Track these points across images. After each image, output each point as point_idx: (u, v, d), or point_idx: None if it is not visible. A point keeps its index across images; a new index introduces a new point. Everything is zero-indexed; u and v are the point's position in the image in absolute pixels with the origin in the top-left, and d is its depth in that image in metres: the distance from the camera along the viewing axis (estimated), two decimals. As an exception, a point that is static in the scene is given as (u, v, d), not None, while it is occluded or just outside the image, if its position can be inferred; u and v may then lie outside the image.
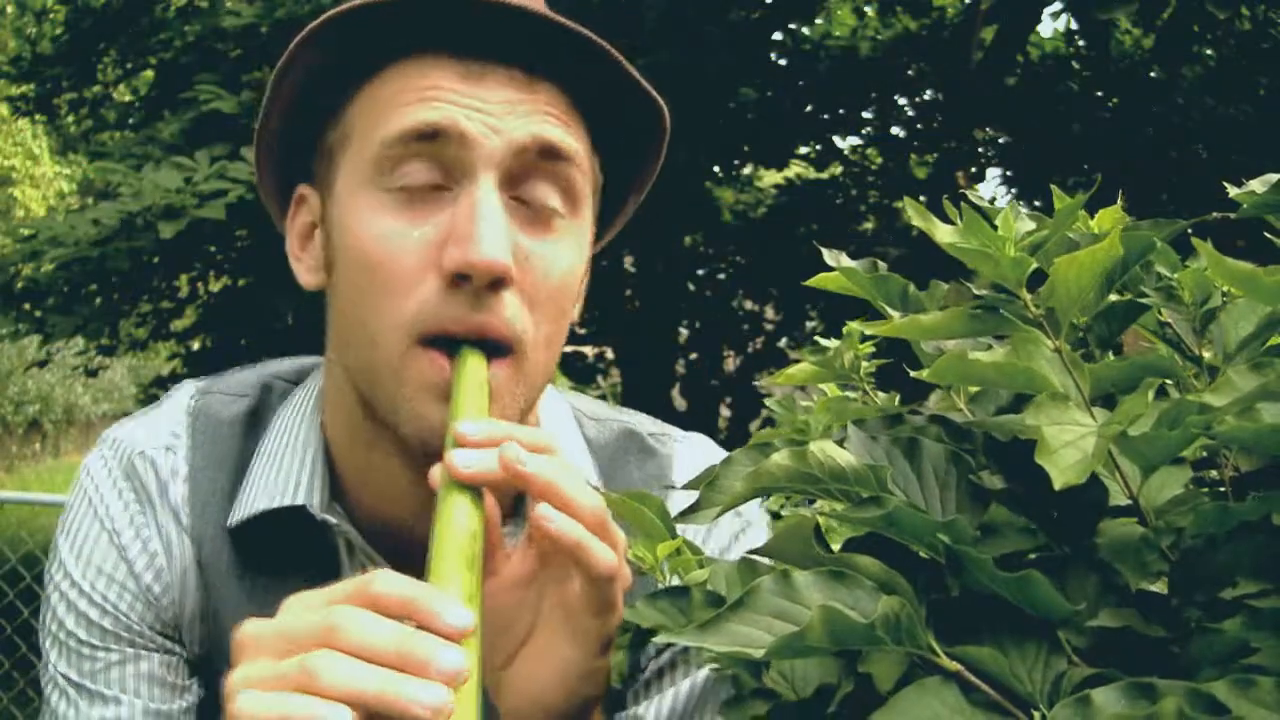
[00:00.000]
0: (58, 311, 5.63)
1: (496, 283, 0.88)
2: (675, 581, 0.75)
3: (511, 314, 0.89)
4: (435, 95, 0.90)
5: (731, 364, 8.19)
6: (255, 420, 1.09)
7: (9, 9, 13.43)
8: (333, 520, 1.02)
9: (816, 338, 0.99)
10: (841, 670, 0.51)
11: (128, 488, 1.06)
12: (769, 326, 8.08)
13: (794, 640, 0.47)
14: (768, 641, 0.49)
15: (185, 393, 1.12)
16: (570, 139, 0.92)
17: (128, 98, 9.29)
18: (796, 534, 0.57)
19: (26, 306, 5.77)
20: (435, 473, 0.78)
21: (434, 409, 0.88)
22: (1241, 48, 6.67)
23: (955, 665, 0.51)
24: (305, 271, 1.01)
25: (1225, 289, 0.76)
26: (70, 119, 8.99)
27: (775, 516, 1.30)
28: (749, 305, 8.11)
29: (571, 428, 1.12)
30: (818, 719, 0.56)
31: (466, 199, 0.88)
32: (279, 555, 1.04)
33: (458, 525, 0.74)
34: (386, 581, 0.68)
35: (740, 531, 1.10)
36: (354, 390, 0.97)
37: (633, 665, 1.06)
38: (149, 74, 8.02)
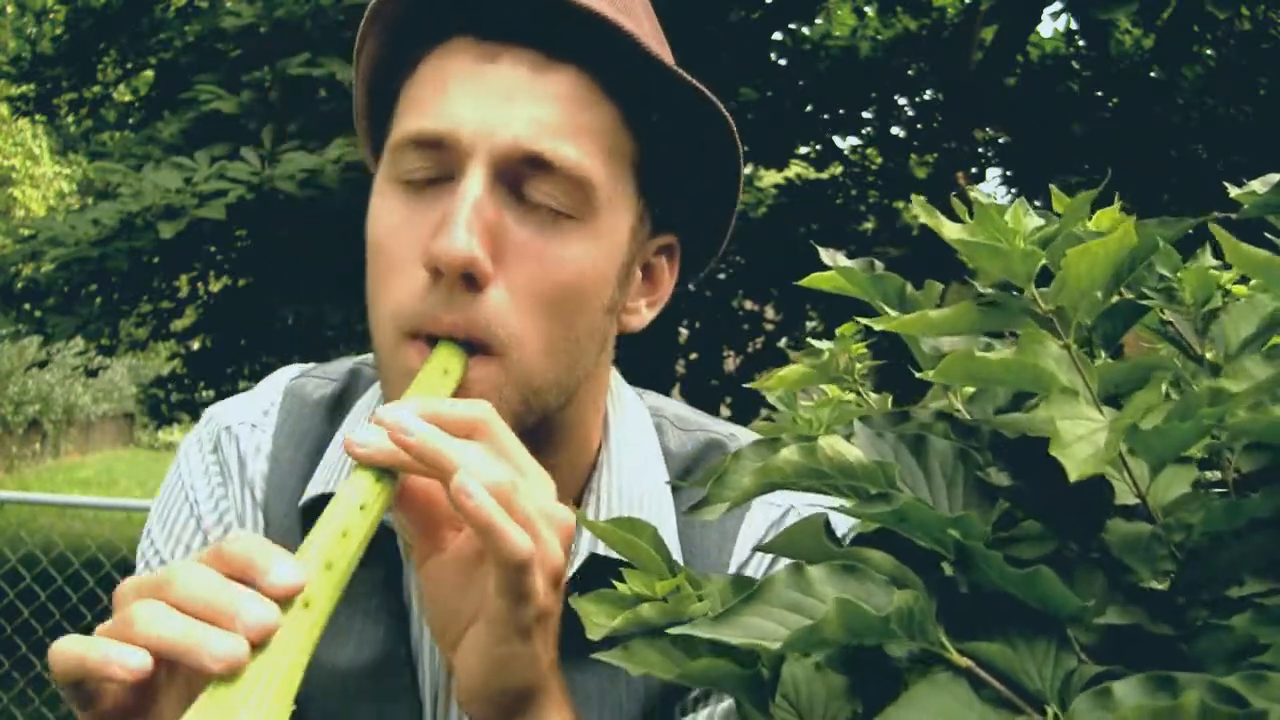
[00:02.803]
0: (58, 311, 5.63)
1: (470, 278, 0.87)
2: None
3: (491, 312, 0.88)
4: (444, 90, 0.90)
5: (731, 364, 8.19)
6: (339, 404, 1.10)
7: (9, 9, 13.43)
8: None
9: (809, 340, 0.98)
10: (849, 688, 0.50)
11: (213, 461, 1.09)
12: (769, 326, 8.08)
13: (809, 634, 0.47)
14: (783, 634, 0.48)
15: (288, 373, 1.14)
16: (566, 139, 0.89)
17: (128, 98, 9.29)
18: (807, 529, 0.57)
19: (26, 306, 5.77)
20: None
21: None
22: (1241, 48, 6.67)
23: (966, 661, 0.51)
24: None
25: (1226, 289, 0.76)
26: (70, 119, 8.99)
27: None
28: (749, 305, 8.11)
29: (648, 435, 1.09)
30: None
31: (455, 194, 0.88)
32: None
33: (346, 497, 0.75)
34: (236, 540, 0.71)
35: (778, 521, 1.07)
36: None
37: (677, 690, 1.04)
38: (149, 74, 8.02)
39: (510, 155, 0.88)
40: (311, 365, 1.16)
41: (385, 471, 0.77)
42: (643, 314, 1.02)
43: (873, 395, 0.96)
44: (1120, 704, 0.45)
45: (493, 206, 0.88)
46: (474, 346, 0.88)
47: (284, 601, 0.68)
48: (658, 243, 1.02)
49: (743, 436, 1.13)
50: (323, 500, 1.02)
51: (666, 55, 0.96)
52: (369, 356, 1.13)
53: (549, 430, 0.96)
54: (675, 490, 1.06)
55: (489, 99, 0.89)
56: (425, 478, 0.78)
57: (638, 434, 1.08)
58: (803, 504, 1.07)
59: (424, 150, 0.90)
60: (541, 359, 0.91)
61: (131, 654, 0.65)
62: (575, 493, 1.04)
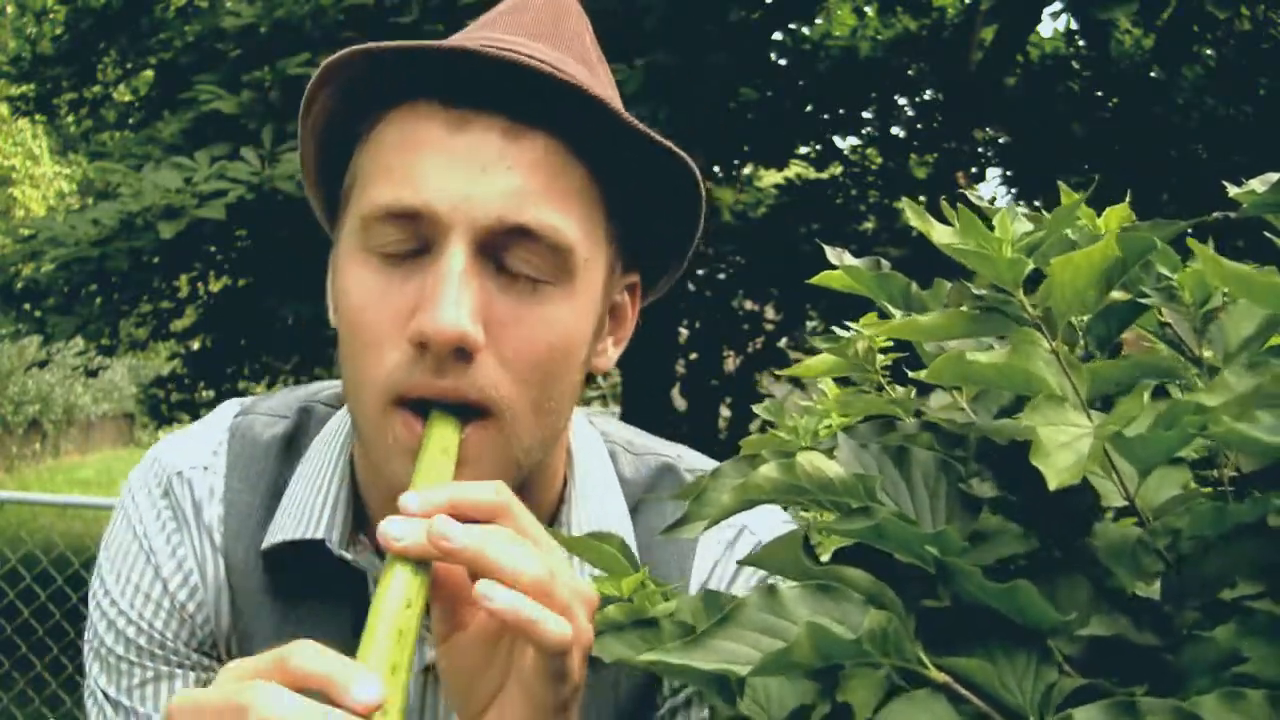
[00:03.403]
0: (58, 311, 5.63)
1: (460, 350, 0.87)
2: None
3: (485, 379, 0.88)
4: (414, 160, 0.90)
5: (731, 364, 8.19)
6: (292, 444, 1.10)
7: (9, 9, 13.44)
8: (349, 557, 1.02)
9: (834, 328, 0.98)
10: (818, 693, 0.51)
11: (165, 506, 1.07)
12: (769, 326, 8.08)
13: (780, 657, 0.47)
14: (754, 658, 0.48)
15: (229, 411, 1.13)
16: (546, 207, 0.89)
17: (128, 98, 9.30)
18: (785, 545, 0.57)
19: (26, 306, 5.78)
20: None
21: (406, 470, 0.87)
22: (1241, 48, 6.67)
23: (944, 677, 0.51)
24: (331, 312, 1.01)
25: (1225, 289, 0.76)
26: (70, 119, 9.00)
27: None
28: (749, 305, 8.11)
29: (604, 465, 1.11)
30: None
31: (436, 267, 0.88)
32: (309, 583, 1.04)
33: (392, 595, 0.75)
34: (303, 655, 0.69)
35: (733, 540, 1.09)
36: (358, 437, 1.00)
37: (649, 702, 1.05)
38: (149, 74, 8.03)
39: (493, 228, 0.88)
40: (251, 400, 1.15)
41: (419, 562, 0.77)
42: (610, 354, 1.03)
43: (898, 388, 0.96)
44: (1082, 729, 0.45)
45: (476, 279, 0.88)
46: (468, 411, 0.89)
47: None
48: (624, 282, 1.03)
49: (689, 457, 1.15)
50: (287, 547, 1.03)
51: (614, 96, 0.96)
52: (319, 390, 1.14)
53: (525, 480, 0.97)
54: (635, 515, 1.08)
55: (465, 170, 0.88)
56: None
57: (597, 465, 1.10)
58: (756, 523, 1.09)
59: (399, 222, 0.89)
60: (531, 420, 0.92)
61: None
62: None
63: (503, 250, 0.89)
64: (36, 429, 20.64)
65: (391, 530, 0.76)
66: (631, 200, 0.98)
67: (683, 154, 0.95)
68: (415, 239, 0.90)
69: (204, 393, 8.07)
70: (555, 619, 0.74)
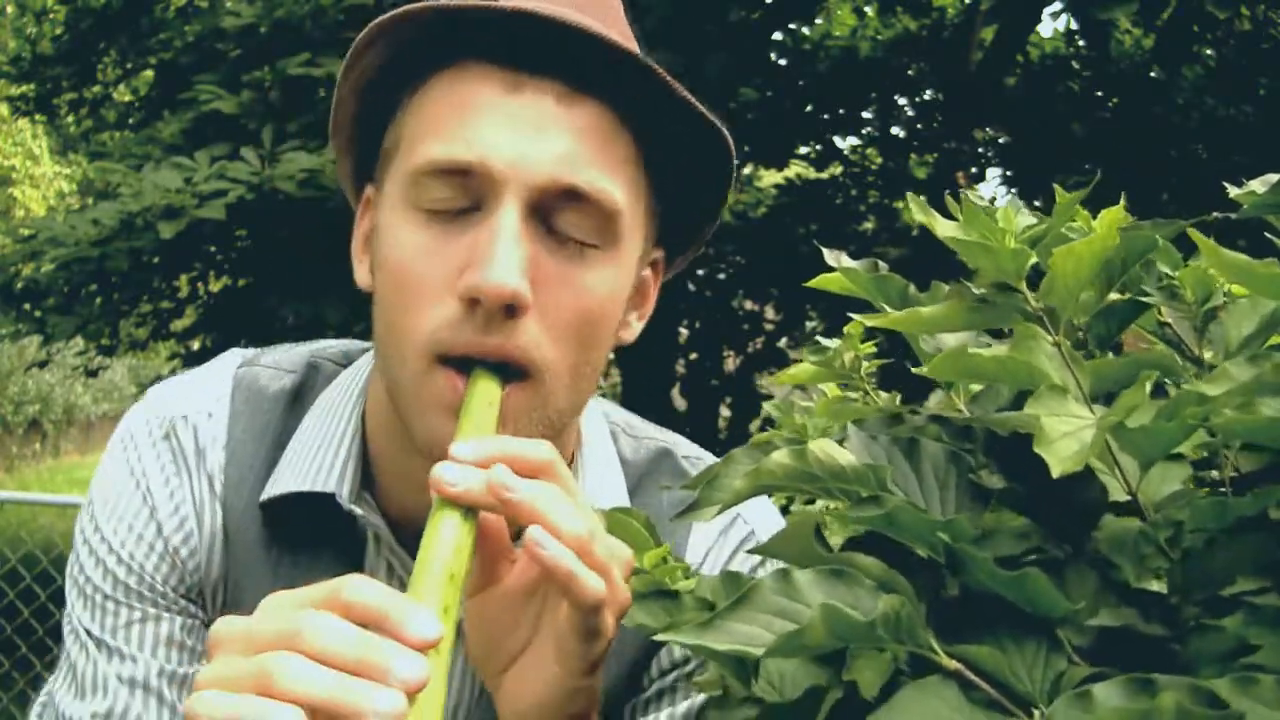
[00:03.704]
0: (58, 311, 5.63)
1: (510, 308, 0.88)
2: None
3: (529, 339, 0.90)
4: (469, 118, 0.91)
5: (731, 364, 8.19)
6: (298, 398, 1.10)
7: (9, 9, 13.43)
8: (359, 511, 1.03)
9: (818, 337, 0.99)
10: (831, 675, 0.51)
11: (165, 449, 1.07)
12: (769, 326, 8.08)
13: (794, 639, 0.47)
14: (768, 640, 0.49)
15: (231, 361, 1.13)
16: (597, 171, 0.91)
17: (128, 98, 9.29)
18: (797, 533, 0.57)
19: (26, 306, 5.77)
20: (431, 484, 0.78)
21: (445, 426, 0.88)
22: (1241, 48, 6.67)
23: (955, 664, 0.51)
24: (362, 273, 1.02)
25: (1227, 288, 0.76)
26: (70, 119, 8.99)
27: (784, 510, 1.31)
28: (749, 305, 8.11)
29: (606, 443, 1.13)
30: (808, 720, 0.56)
31: (488, 225, 0.89)
32: (307, 536, 1.05)
33: (443, 538, 0.76)
34: (358, 588, 0.69)
35: (726, 528, 1.10)
36: (388, 392, 1.00)
37: (635, 682, 1.06)
38: (149, 74, 8.02)
39: (546, 188, 0.89)
40: (254, 351, 1.14)
41: (469, 509, 0.78)
42: (633, 327, 1.05)
43: (882, 394, 0.96)
44: (1099, 706, 0.45)
45: (528, 238, 0.90)
46: (510, 371, 0.90)
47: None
48: (651, 257, 1.05)
49: (684, 445, 1.18)
50: (287, 499, 1.03)
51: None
52: (325, 348, 1.15)
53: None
54: (633, 495, 1.10)
55: (520, 129, 0.90)
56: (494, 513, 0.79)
57: (601, 444, 1.12)
58: (748, 512, 1.11)
59: (450, 178, 0.90)
60: (568, 383, 0.94)
61: (286, 713, 0.63)
62: None
63: (552, 212, 0.91)
64: (36, 429, 20.63)
65: (446, 475, 0.76)
66: (670, 174, 1.00)
67: (725, 130, 0.97)
68: (466, 196, 0.91)
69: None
70: (593, 575, 0.75)
